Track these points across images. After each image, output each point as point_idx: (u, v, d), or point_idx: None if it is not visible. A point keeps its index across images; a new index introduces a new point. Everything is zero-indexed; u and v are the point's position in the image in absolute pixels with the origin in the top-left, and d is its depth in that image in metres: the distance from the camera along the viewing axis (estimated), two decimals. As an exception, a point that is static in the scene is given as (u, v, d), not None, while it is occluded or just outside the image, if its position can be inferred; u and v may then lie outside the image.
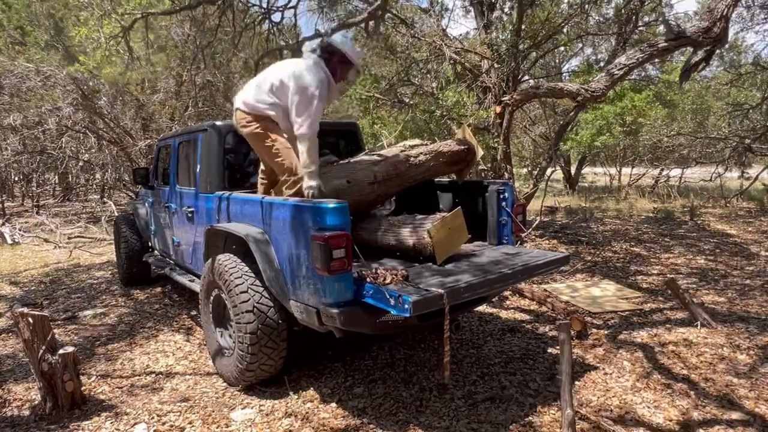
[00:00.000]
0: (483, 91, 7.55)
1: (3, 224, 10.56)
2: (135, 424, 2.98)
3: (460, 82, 7.80)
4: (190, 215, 4.21)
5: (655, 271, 6.12)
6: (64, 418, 3.05)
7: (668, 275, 5.72)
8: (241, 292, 3.07)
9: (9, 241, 9.53)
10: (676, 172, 16.60)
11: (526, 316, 4.66)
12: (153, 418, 3.04)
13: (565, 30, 8.58)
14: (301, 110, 3.11)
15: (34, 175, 16.06)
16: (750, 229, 8.97)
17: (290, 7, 6.88)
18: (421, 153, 3.69)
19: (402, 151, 3.70)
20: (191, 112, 11.64)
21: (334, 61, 3.29)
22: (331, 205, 2.61)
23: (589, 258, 6.92)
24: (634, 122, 12.44)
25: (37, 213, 13.17)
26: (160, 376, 3.66)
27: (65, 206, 15.36)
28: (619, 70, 3.02)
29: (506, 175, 7.03)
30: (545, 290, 5.19)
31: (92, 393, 3.39)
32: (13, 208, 14.66)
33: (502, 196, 3.66)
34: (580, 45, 11.85)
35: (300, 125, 3.11)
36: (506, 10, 8.54)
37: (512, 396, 3.15)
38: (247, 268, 3.18)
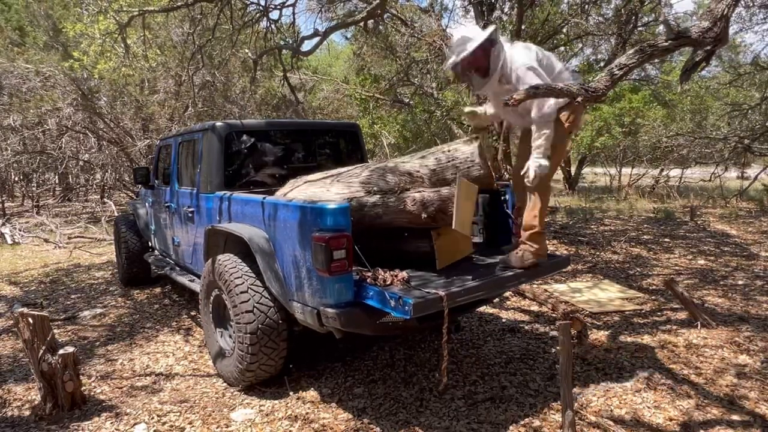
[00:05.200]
0: (483, 91, 7.54)
1: (3, 224, 10.55)
2: (135, 424, 2.98)
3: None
4: (190, 215, 4.21)
5: (656, 272, 6.12)
6: (64, 418, 3.05)
7: (669, 276, 5.72)
8: (241, 292, 3.07)
9: (9, 241, 9.52)
10: (675, 172, 16.61)
11: (526, 317, 4.66)
12: (153, 418, 3.03)
13: (564, 30, 8.59)
14: None
15: (34, 175, 16.06)
16: (750, 229, 8.97)
17: (288, 5, 6.85)
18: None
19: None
20: (191, 112, 11.65)
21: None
22: (332, 206, 2.61)
23: (590, 258, 6.92)
24: (633, 123, 12.45)
25: (37, 213, 13.15)
26: (160, 376, 3.66)
27: (65, 206, 15.35)
28: (619, 70, 3.00)
29: (506, 176, 7.02)
30: (546, 291, 5.19)
31: (92, 393, 3.39)
32: (13, 208, 14.64)
33: (502, 198, 3.66)
34: (580, 45, 11.85)
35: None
36: (506, 10, 8.55)
37: (512, 396, 3.14)
38: (247, 268, 3.18)
